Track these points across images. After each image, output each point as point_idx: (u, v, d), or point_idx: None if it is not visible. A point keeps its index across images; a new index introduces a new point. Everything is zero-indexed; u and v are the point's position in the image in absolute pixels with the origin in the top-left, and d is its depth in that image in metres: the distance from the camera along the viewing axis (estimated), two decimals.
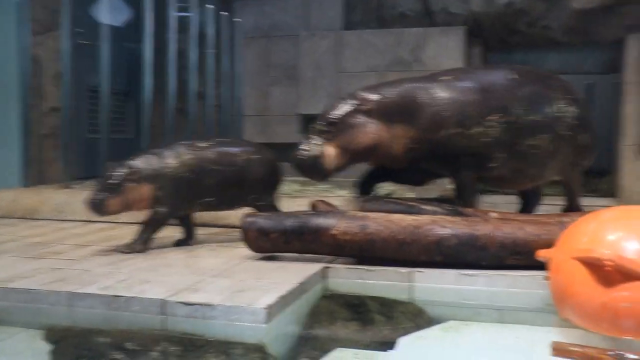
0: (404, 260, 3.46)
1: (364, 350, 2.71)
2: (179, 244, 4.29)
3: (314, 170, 4.11)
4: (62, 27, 6.34)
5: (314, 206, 3.91)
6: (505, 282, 3.28)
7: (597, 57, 7.84)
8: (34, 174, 6.66)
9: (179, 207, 4.15)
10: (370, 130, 4.16)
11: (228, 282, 3.18)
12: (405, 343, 2.76)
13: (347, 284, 3.47)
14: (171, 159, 4.04)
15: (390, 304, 3.31)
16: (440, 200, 4.49)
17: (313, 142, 4.10)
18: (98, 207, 3.86)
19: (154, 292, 2.98)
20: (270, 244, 3.65)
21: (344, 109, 4.19)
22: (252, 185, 4.24)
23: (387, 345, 2.76)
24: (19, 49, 6.62)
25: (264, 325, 2.70)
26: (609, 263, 2.35)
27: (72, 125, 6.42)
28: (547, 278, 2.85)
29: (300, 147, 4.12)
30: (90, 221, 4.73)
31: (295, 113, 8.05)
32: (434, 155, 4.30)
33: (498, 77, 4.40)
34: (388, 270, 3.43)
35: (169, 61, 6.47)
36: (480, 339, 2.88)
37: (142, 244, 4.03)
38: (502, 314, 3.23)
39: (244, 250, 3.95)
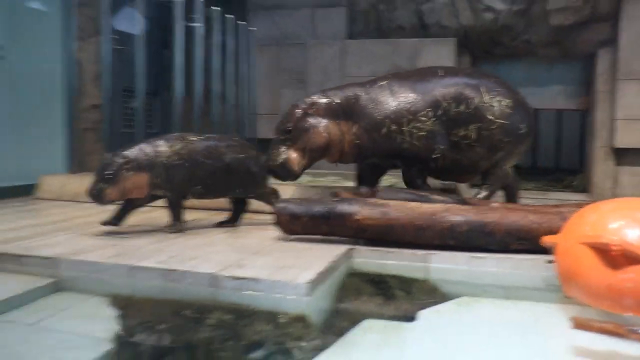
0: (420, 243, 3.45)
1: (390, 322, 2.69)
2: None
3: (284, 173, 4.28)
4: (103, 33, 6.30)
5: (336, 194, 3.91)
6: (511, 264, 3.29)
7: (569, 69, 7.85)
8: (77, 163, 6.66)
9: (178, 192, 4.00)
10: (322, 130, 4.28)
11: (268, 259, 3.18)
12: (425, 315, 2.76)
13: (369, 264, 3.47)
14: (164, 147, 3.90)
15: (408, 282, 3.30)
16: (444, 191, 4.50)
17: (278, 150, 4.27)
18: (97, 196, 3.71)
19: (204, 267, 2.97)
20: (300, 227, 3.64)
21: (295, 116, 4.31)
22: (238, 178, 4.13)
23: (409, 317, 2.74)
24: (64, 53, 6.65)
25: (305, 298, 2.70)
26: (616, 248, 2.35)
27: (110, 121, 6.43)
28: (550, 261, 2.87)
29: (268, 156, 4.28)
30: None
31: None
32: (380, 152, 4.35)
33: (428, 76, 4.40)
34: (406, 252, 3.43)
35: (195, 66, 6.43)
36: (489, 311, 2.86)
37: (181, 224, 4.02)
38: (508, 292, 3.22)
39: (272, 232, 3.95)
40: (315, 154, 4.34)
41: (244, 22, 7.49)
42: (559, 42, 7.23)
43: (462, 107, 4.23)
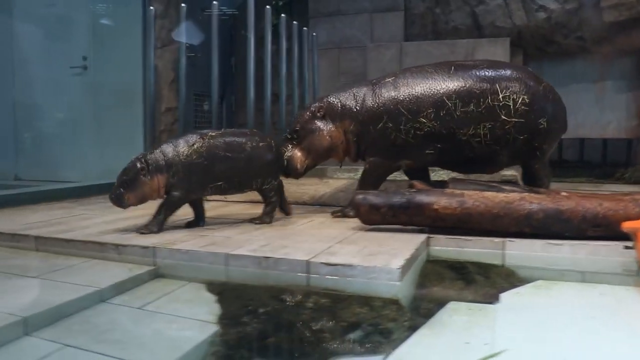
0: (496, 231, 3.38)
1: (474, 303, 2.66)
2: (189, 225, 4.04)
3: (287, 170, 4.26)
4: (180, 43, 6.39)
5: (412, 185, 3.87)
6: (587, 250, 3.18)
7: (622, 64, 7.61)
8: None
9: (192, 191, 3.81)
10: (326, 133, 4.23)
11: (354, 248, 3.15)
12: (506, 297, 2.74)
13: (446, 251, 3.42)
14: (183, 147, 3.73)
15: (486, 267, 3.25)
16: (504, 182, 4.43)
17: (285, 148, 4.27)
18: (117, 201, 3.61)
19: (297, 254, 2.96)
20: (380, 217, 3.60)
21: (303, 117, 4.30)
22: (257, 168, 3.96)
23: (491, 299, 2.73)
24: (143, 62, 6.82)
25: (397, 283, 2.67)
26: None
27: (184, 122, 6.51)
28: (628, 247, 2.81)
29: None
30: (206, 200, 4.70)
31: None
32: (375, 146, 4.22)
33: (438, 73, 4.10)
34: (483, 239, 3.36)
35: (265, 70, 6.44)
36: (569, 293, 2.81)
37: (157, 225, 3.73)
38: (584, 276, 3.13)
39: (348, 223, 3.96)
40: (318, 155, 4.31)
41: (305, 28, 7.50)
42: (611, 38, 7.02)
43: (471, 107, 3.95)
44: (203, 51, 7.46)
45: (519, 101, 3.95)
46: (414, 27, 8.07)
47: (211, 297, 2.78)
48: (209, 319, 2.48)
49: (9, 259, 3.38)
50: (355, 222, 3.91)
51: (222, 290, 2.87)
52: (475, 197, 3.42)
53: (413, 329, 2.32)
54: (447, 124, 4.00)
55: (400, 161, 4.23)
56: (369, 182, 4.28)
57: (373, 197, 3.62)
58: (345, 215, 4.23)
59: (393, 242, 3.31)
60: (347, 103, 4.25)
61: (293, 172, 4.27)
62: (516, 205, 3.34)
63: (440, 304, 2.62)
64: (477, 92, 3.97)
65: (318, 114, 4.25)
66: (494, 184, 3.86)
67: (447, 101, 3.99)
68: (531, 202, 3.34)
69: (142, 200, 3.68)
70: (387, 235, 3.54)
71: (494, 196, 3.42)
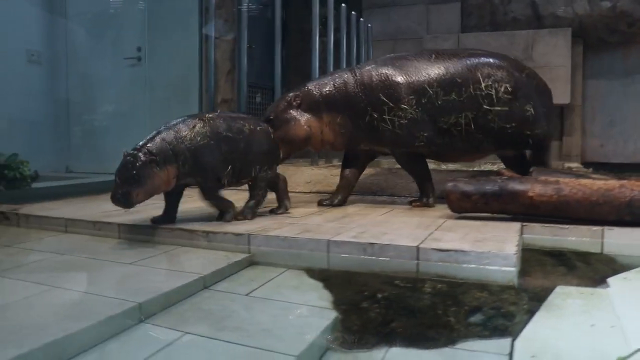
0: (594, 219, 3.36)
1: (583, 287, 2.65)
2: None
3: None
4: (240, 36, 6.44)
5: (499, 173, 3.88)
6: None
7: None
8: None
9: (211, 176, 3.62)
10: (302, 123, 4.17)
11: (455, 234, 3.15)
12: (615, 282, 2.70)
13: (541, 239, 3.40)
14: (185, 130, 3.51)
15: (584, 255, 3.23)
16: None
17: None
18: (124, 200, 3.21)
19: (403, 240, 2.96)
20: (471, 204, 3.61)
21: (279, 106, 4.23)
22: (255, 152, 3.79)
23: (598, 283, 2.72)
24: (200, 52, 6.86)
25: (513, 269, 2.66)
26: None
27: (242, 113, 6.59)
28: None
29: None
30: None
31: None
32: (366, 138, 4.22)
33: (419, 62, 4.10)
34: (580, 228, 3.33)
35: (328, 60, 6.49)
36: None
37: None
38: None
39: (430, 212, 4.00)
40: (294, 145, 4.25)
41: (362, 19, 7.53)
42: None
43: (452, 95, 3.96)
44: (256, 42, 7.52)
45: (502, 90, 3.96)
46: (471, 18, 8.06)
47: (317, 284, 2.77)
48: (324, 305, 2.46)
49: (96, 246, 3.40)
50: (437, 210, 3.94)
51: (327, 277, 2.86)
52: (572, 185, 3.41)
53: (531, 312, 2.32)
54: (429, 111, 4.02)
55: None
56: (411, 172, 4.38)
57: (464, 185, 3.64)
58: (425, 205, 4.26)
59: (491, 229, 3.31)
60: (329, 93, 4.21)
61: None
62: (617, 192, 3.32)
63: (547, 288, 2.61)
64: (459, 81, 3.98)
65: (294, 103, 4.21)
66: (581, 172, 3.86)
67: (428, 89, 4.00)
68: (632, 189, 3.31)
69: (151, 194, 3.38)
70: (480, 223, 3.54)
71: (591, 183, 3.41)
